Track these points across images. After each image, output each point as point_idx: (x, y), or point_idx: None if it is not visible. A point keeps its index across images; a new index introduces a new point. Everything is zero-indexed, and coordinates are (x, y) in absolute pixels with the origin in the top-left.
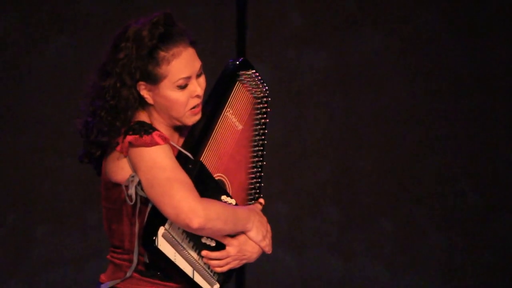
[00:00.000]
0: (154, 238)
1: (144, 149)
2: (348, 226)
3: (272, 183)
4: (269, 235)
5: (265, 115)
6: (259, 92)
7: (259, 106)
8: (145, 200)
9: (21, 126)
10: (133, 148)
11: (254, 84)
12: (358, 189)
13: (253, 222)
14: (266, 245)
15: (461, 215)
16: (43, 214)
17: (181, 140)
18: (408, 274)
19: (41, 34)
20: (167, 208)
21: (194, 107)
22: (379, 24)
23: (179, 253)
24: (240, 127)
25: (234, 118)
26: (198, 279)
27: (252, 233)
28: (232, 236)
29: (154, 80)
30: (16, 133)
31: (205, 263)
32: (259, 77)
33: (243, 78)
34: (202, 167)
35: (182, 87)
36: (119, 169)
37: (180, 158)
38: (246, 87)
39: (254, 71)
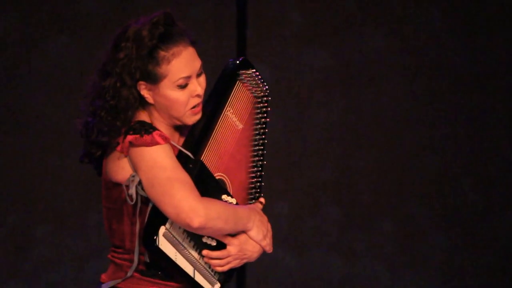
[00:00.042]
0: (155, 237)
1: (145, 148)
2: (348, 226)
3: (273, 183)
4: (269, 234)
5: (265, 114)
6: (259, 91)
7: (259, 105)
8: (146, 200)
9: (21, 126)
10: (134, 148)
11: (254, 84)
12: (358, 189)
13: (253, 222)
14: (267, 244)
15: (461, 215)
16: (43, 214)
17: (182, 140)
18: (408, 274)
19: (41, 34)
20: (167, 208)
21: (194, 107)
22: (379, 23)
23: (180, 252)
24: (240, 126)
25: (235, 117)
26: (199, 278)
27: (253, 233)
28: (233, 235)
29: (154, 79)
30: (16, 133)
31: (206, 263)
32: (259, 77)
33: (243, 78)
34: (203, 167)
35: (182, 86)
36: (120, 168)
37: (180, 157)
38: (247, 86)
39: (254, 70)
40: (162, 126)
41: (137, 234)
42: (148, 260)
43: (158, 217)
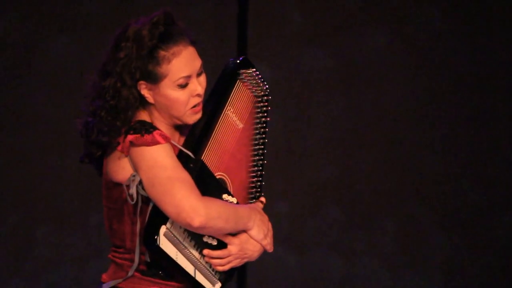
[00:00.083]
0: (155, 237)
1: (145, 148)
2: (349, 226)
3: (273, 183)
4: (270, 233)
5: (265, 114)
6: (260, 91)
7: (259, 104)
8: (146, 200)
9: (21, 126)
10: (134, 148)
11: (254, 83)
12: (359, 189)
13: (254, 221)
14: (268, 243)
15: (462, 215)
16: (44, 214)
17: (182, 139)
18: (409, 274)
19: (42, 34)
20: (168, 207)
21: (194, 106)
22: (380, 23)
23: (180, 252)
24: (240, 125)
25: (235, 116)
26: (200, 278)
27: (254, 232)
28: (234, 234)
29: (154, 79)
30: (17, 133)
31: (206, 262)
32: (260, 76)
33: (243, 77)
34: (203, 166)
35: (183, 86)
36: (120, 168)
37: (181, 157)
38: (247, 85)
39: (254, 69)
40: (163, 125)
41: (138, 233)
42: (148, 260)
43: (158, 217)
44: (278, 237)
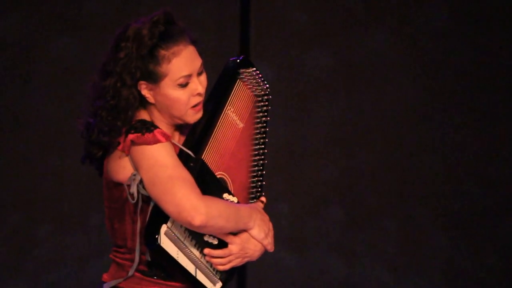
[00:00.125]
0: (156, 236)
1: (146, 147)
2: (350, 227)
3: (274, 183)
4: (271, 233)
5: (266, 113)
6: (260, 90)
7: (260, 104)
8: (147, 199)
9: (22, 126)
10: (135, 147)
11: (254, 82)
12: (360, 189)
13: (254, 220)
14: (268, 243)
15: (463, 215)
16: (44, 214)
17: (182, 139)
18: (411, 275)
19: (43, 35)
20: (169, 206)
21: (195, 105)
22: (382, 23)
23: (181, 251)
24: (241, 125)
25: (235, 116)
26: (200, 277)
27: (254, 231)
28: (235, 234)
29: (155, 79)
30: (17, 133)
31: (207, 261)
32: (260, 75)
33: (243, 76)
34: (204, 165)
35: (183, 85)
36: (121, 168)
37: (181, 156)
38: (247, 85)
39: (254, 69)
40: (163, 125)
41: (138, 233)
42: (149, 259)
43: (159, 216)
44: (278, 237)
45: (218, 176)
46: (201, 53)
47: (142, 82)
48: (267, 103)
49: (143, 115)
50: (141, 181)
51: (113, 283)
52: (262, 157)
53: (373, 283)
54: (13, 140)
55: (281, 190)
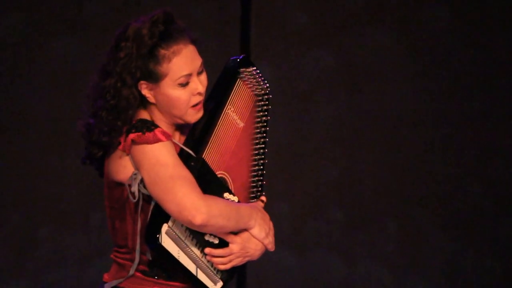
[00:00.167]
0: (157, 235)
1: (147, 146)
2: (350, 227)
3: (275, 183)
4: (271, 232)
5: (266, 113)
6: (260, 89)
7: (260, 103)
8: (148, 198)
9: (22, 127)
10: (136, 146)
11: (255, 81)
12: (360, 190)
13: (255, 220)
14: (269, 242)
15: (463, 216)
16: (46, 214)
17: (183, 138)
18: (411, 276)
19: (44, 35)
20: (170, 205)
21: (196, 105)
22: (383, 23)
23: (182, 250)
24: (241, 124)
25: (235, 115)
26: (201, 276)
27: (255, 231)
28: (235, 233)
29: (155, 78)
30: (18, 134)
31: (208, 261)
32: (260, 74)
33: (244, 76)
34: (204, 164)
35: (184, 85)
36: (122, 167)
37: (182, 155)
38: (247, 84)
39: (255, 68)
40: (164, 125)
41: (139, 232)
42: (150, 258)
43: (160, 215)
44: (278, 237)
45: (218, 176)
46: (201, 53)
47: (142, 81)
48: (267, 102)
49: (144, 115)
50: (142, 180)
51: (114, 283)
52: (263, 156)
53: (373, 283)
54: (13, 140)
55: (281, 190)
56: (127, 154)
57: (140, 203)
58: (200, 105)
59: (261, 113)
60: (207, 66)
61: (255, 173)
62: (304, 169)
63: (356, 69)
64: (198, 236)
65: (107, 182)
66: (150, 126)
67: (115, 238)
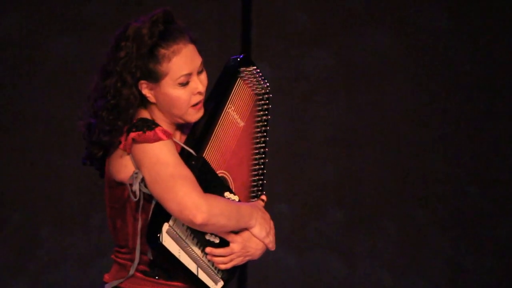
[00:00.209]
0: (158, 235)
1: (148, 145)
2: (350, 227)
3: (275, 184)
4: (272, 231)
5: (266, 112)
6: (260, 89)
7: (260, 102)
8: (149, 197)
9: (23, 126)
10: (137, 145)
11: (255, 81)
12: (360, 190)
13: (256, 219)
14: (270, 241)
15: (464, 216)
16: (46, 214)
17: (183, 138)
18: (410, 276)
19: (43, 34)
20: (171, 204)
21: (196, 104)
22: (383, 23)
23: (183, 250)
24: (241, 123)
25: (236, 114)
26: (202, 276)
27: (256, 230)
28: (236, 232)
29: (155, 78)
30: (18, 133)
31: (209, 260)
32: (260, 74)
33: (244, 75)
34: (205, 164)
35: (184, 84)
36: (123, 167)
37: (182, 154)
38: (247, 83)
39: (255, 67)
40: (164, 124)
41: (139, 232)
42: (151, 257)
43: (161, 214)
44: (278, 237)
45: (219, 175)
46: (202, 53)
47: (142, 81)
48: (267, 101)
49: (144, 114)
50: (143, 179)
51: (115, 283)
52: (263, 155)
53: (373, 283)
54: (13, 140)
55: (281, 190)
56: (128, 153)
57: (141, 202)
58: (200, 105)
59: (262, 112)
60: (207, 66)
61: (256, 172)
62: (304, 169)
63: (356, 69)
64: (199, 236)
65: (108, 181)
66: (150, 125)
67: (116, 238)
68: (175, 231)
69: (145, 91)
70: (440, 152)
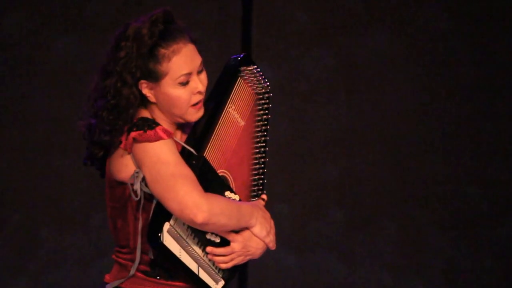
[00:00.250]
0: (159, 234)
1: (148, 144)
2: (350, 227)
3: (275, 184)
4: (273, 231)
5: (267, 111)
6: (261, 88)
7: (261, 102)
8: (150, 197)
9: (24, 126)
10: (137, 144)
11: (255, 80)
12: (360, 190)
13: (256, 218)
14: (270, 241)
15: (463, 216)
16: (47, 214)
17: (184, 137)
18: (411, 276)
19: (44, 34)
20: (171, 204)
21: (196, 104)
22: (384, 23)
23: (184, 249)
24: (242, 123)
25: (236, 114)
26: (203, 275)
27: (256, 229)
28: (237, 232)
29: (155, 78)
30: (19, 133)
31: (209, 260)
32: (261, 73)
33: (244, 74)
34: (206, 163)
35: (184, 84)
36: (123, 166)
37: (183, 154)
38: (248, 83)
39: (255, 67)
40: (164, 124)
41: (140, 231)
42: (152, 257)
43: (162, 214)
44: (278, 237)
45: (220, 174)
46: (202, 53)
47: (142, 81)
48: (268, 101)
49: (144, 114)
50: (143, 179)
51: (115, 283)
52: (263, 155)
53: (373, 284)
54: (14, 140)
55: (281, 190)
56: (129, 153)
57: (142, 201)
58: (201, 104)
59: (262, 112)
60: (207, 66)
61: (256, 172)
62: (304, 169)
63: (356, 69)
64: (199, 235)
65: (109, 181)
66: (151, 124)
67: (117, 238)
68: (176, 230)
69: (145, 91)
70: (440, 152)
